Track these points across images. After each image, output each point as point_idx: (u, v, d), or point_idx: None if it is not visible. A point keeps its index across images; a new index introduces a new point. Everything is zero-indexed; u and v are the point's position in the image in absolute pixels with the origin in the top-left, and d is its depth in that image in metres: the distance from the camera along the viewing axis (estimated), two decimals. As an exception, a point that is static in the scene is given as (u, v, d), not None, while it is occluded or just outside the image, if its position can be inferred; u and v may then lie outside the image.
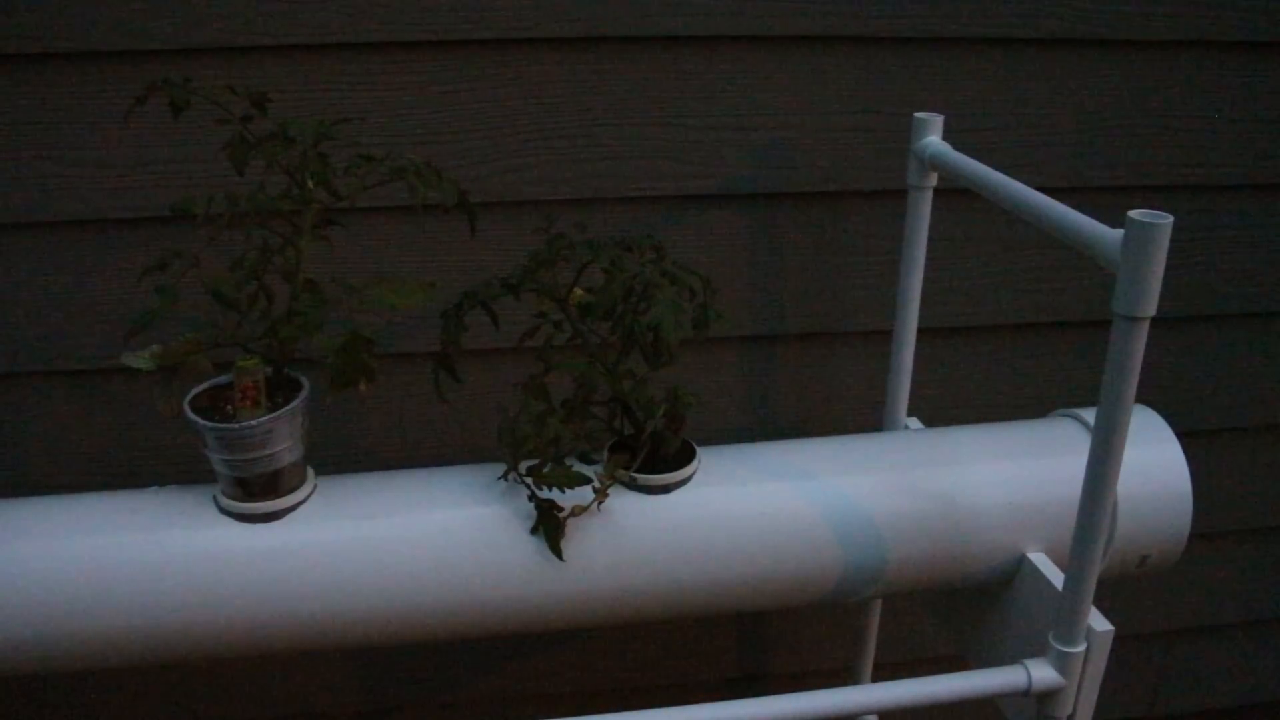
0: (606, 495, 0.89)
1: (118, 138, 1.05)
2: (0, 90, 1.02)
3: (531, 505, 0.89)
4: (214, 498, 0.91)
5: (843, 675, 1.33)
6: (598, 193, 1.13)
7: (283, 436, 0.88)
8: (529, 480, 0.88)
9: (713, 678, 1.42)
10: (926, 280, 1.10)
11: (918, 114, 1.05)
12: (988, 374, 1.29)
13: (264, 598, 0.89)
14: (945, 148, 1.04)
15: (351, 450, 1.22)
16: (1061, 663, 0.87)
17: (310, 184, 0.85)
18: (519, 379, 0.92)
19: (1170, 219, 0.74)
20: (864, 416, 1.27)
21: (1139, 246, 0.74)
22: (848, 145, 1.15)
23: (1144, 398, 1.29)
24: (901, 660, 1.44)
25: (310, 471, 0.94)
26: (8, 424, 1.16)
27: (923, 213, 1.08)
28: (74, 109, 1.03)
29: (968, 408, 1.30)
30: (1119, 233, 0.76)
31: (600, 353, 0.92)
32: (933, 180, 1.07)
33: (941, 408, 1.29)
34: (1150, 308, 0.76)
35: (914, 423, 1.18)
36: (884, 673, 1.32)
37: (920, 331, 1.13)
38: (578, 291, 0.91)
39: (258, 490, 0.89)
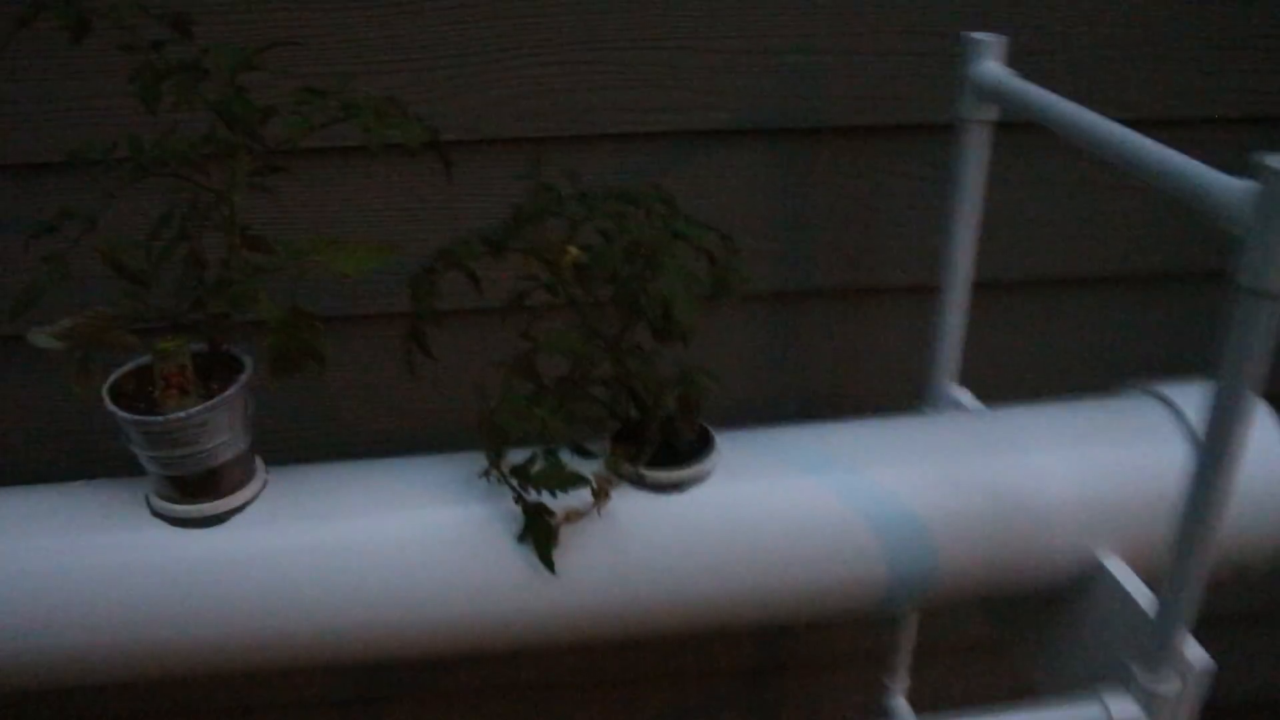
0: (608, 497, 0.75)
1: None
2: None
3: (516, 503, 0.75)
4: (146, 497, 0.77)
5: (875, 667, 1.20)
6: (595, 128, 0.96)
7: (220, 428, 0.73)
8: (514, 481, 0.74)
9: (731, 665, 1.29)
10: (980, 228, 0.94)
11: (973, 34, 0.88)
12: (1048, 337, 1.13)
13: (204, 614, 0.76)
14: (1006, 74, 0.87)
15: (311, 430, 1.07)
16: (1148, 701, 0.74)
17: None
18: (507, 347, 0.77)
19: (1320, 168, 0.58)
20: (905, 385, 1.12)
21: (1275, 202, 0.58)
22: (890, 71, 0.98)
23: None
24: (939, 645, 1.31)
25: (259, 463, 0.80)
26: None
27: (977, 151, 0.92)
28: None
29: (1023, 377, 1.14)
30: (1247, 185, 0.60)
31: (599, 324, 0.77)
32: (991, 113, 0.91)
33: (994, 376, 1.13)
34: (1288, 281, 0.60)
35: (963, 393, 1.03)
36: (919, 660, 1.19)
37: (971, 287, 0.97)
38: (572, 250, 0.76)
39: (195, 490, 0.75)
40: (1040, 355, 1.14)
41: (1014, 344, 1.13)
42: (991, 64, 0.88)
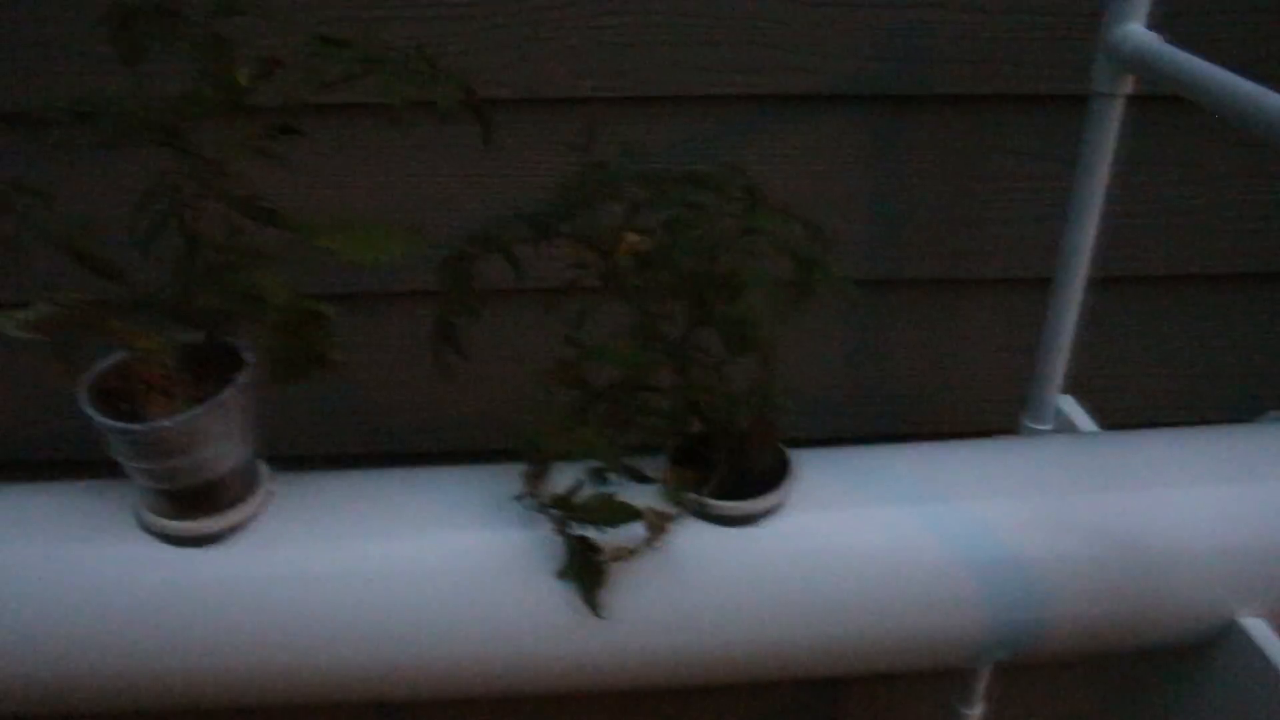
0: (666, 531, 0.64)
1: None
2: None
3: (558, 534, 0.64)
4: (136, 509, 0.67)
5: (947, 688, 1.09)
6: (663, 88, 0.84)
7: (215, 436, 0.63)
8: (556, 513, 0.63)
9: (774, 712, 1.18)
10: (1103, 213, 0.81)
11: (1116, -11, 0.75)
12: (1178, 343, 0.99)
13: (194, 643, 0.66)
14: (1153, 40, 0.74)
15: (322, 422, 0.97)
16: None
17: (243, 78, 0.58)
18: (548, 334, 0.65)
19: None
20: (1003, 389, 0.99)
21: None
22: (1011, 33, 0.84)
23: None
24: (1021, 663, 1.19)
25: (264, 472, 0.69)
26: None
27: (1110, 128, 0.79)
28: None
29: (1144, 386, 1.01)
30: None
31: (658, 325, 0.65)
32: (1128, 85, 0.77)
33: (1107, 384, 1.00)
34: None
35: (1070, 404, 0.90)
36: (998, 681, 1.07)
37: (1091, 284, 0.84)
38: (630, 238, 0.64)
39: (187, 504, 0.65)
40: (1168, 367, 1.00)
41: (1135, 352, 0.99)
42: (1136, 26, 0.75)
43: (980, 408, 1.00)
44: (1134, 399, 1.00)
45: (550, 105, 0.83)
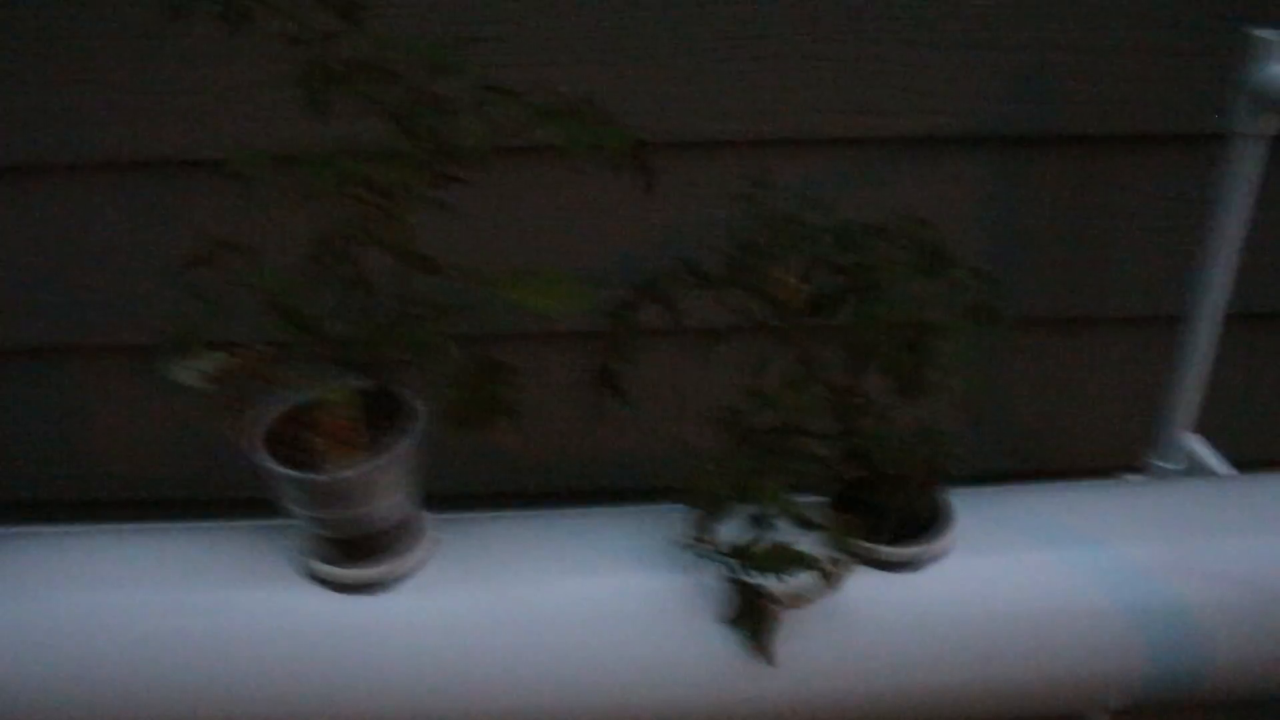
0: (840, 579, 0.64)
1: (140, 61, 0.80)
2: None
3: (727, 582, 0.64)
4: (299, 554, 0.67)
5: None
6: (796, 131, 0.84)
7: (389, 486, 0.63)
8: (731, 562, 0.62)
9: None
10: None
11: (1258, 30, 0.75)
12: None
13: (364, 689, 0.66)
14: (1299, 79, 0.74)
15: (473, 464, 0.97)
16: None
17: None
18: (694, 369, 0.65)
19: None
20: (1125, 427, 0.99)
21: None
22: (1145, 72, 0.84)
23: None
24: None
25: (427, 518, 0.69)
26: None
27: (1250, 168, 0.79)
28: (84, 22, 0.79)
29: (1269, 425, 1.00)
30: None
31: (824, 372, 0.65)
32: (1271, 125, 0.77)
33: (1229, 423, 0.98)
34: None
35: (1199, 443, 0.90)
36: None
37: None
38: (802, 288, 0.64)
39: (358, 552, 0.65)
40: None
41: (1261, 389, 0.98)
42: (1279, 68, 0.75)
43: (1102, 446, 0.99)
44: (1260, 438, 0.99)
45: (691, 148, 0.84)
